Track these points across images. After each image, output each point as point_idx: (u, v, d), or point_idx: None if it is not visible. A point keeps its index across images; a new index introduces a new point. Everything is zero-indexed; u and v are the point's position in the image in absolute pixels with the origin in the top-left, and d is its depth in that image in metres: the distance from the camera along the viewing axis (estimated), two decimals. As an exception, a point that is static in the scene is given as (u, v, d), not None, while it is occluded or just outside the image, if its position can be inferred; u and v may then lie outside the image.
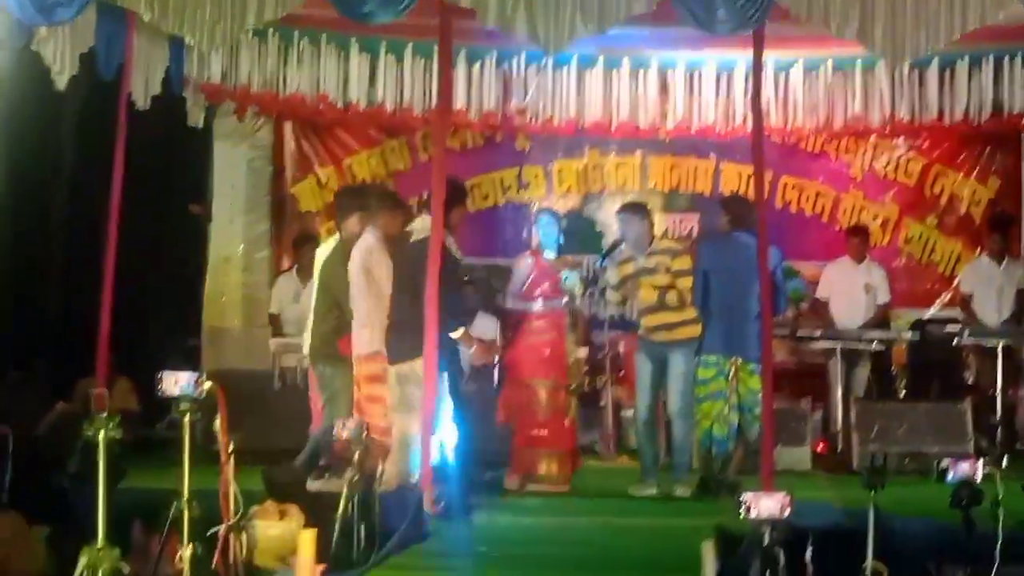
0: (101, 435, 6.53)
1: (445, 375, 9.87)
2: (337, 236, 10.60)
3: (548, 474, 11.04)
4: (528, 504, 10.39)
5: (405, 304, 9.83)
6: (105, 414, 6.53)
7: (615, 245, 11.27)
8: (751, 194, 11.93)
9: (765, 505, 6.95)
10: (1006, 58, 12.60)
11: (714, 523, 8.71)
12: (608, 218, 13.76)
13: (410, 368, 9.76)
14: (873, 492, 7.36)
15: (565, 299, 11.11)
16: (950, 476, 7.34)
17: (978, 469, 7.32)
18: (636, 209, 11.39)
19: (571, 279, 11.12)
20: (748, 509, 6.95)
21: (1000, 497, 7.43)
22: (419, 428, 9.57)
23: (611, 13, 9.57)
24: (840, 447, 12.43)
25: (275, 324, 13.37)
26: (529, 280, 11.07)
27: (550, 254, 11.15)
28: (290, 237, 14.19)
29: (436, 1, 9.77)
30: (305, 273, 13.13)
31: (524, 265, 11.21)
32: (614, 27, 9.74)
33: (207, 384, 7.32)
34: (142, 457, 9.76)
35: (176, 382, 7.30)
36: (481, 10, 9.62)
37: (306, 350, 10.64)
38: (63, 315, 12.80)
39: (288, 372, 12.91)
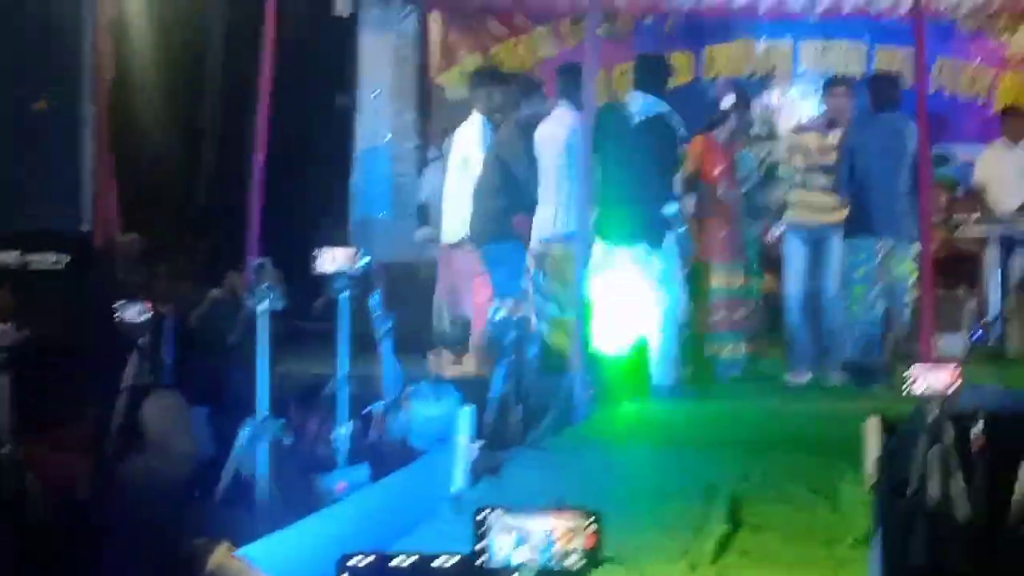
0: (264, 305, 6.53)
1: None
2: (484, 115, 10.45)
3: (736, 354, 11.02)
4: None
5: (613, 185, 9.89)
6: (267, 284, 6.52)
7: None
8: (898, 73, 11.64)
9: (934, 378, 6.81)
10: None
11: (870, 407, 8.64)
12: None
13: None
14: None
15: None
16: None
17: None
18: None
19: (748, 161, 11.02)
20: (915, 382, 6.82)
21: None
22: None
23: None
24: (996, 335, 12.19)
25: (424, 214, 13.35)
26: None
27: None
28: (438, 126, 14.12)
29: None
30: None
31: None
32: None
33: (364, 259, 7.32)
34: (293, 347, 9.82)
35: (333, 258, 7.31)
36: None
37: (455, 232, 10.48)
38: (216, 203, 12.89)
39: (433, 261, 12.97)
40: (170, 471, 7.23)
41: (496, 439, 7.97)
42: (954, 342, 11.55)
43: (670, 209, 9.99)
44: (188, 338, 9.14)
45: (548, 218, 10.06)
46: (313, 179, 13.64)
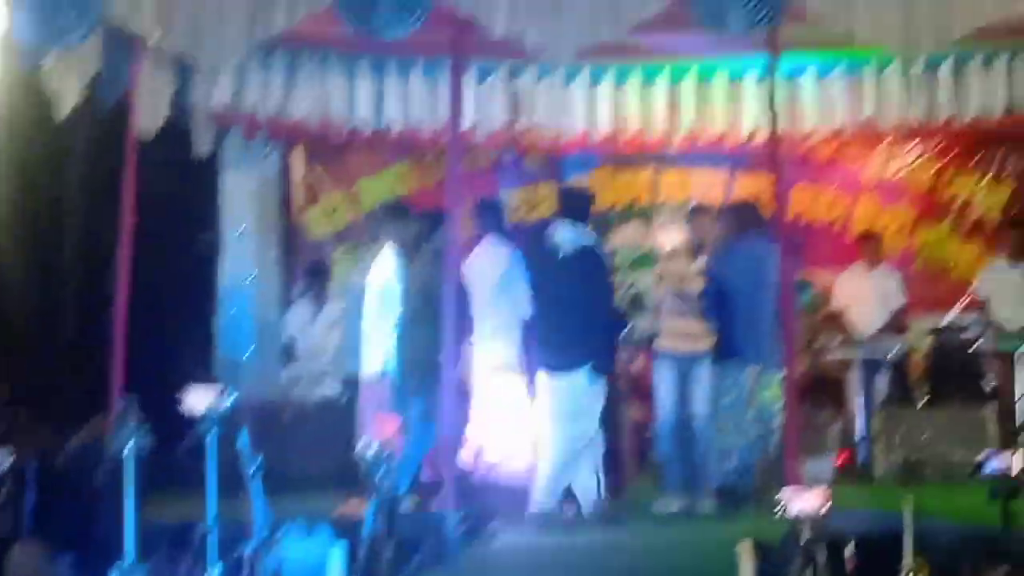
0: (129, 446, 6.43)
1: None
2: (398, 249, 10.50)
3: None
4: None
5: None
6: (132, 425, 6.43)
7: None
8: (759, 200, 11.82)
9: (803, 502, 6.87)
10: (1019, 57, 12.45)
11: (742, 533, 8.66)
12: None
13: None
14: (909, 488, 7.30)
15: None
16: (987, 468, 7.27)
17: (1015, 462, 7.25)
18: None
19: None
20: (786, 507, 6.87)
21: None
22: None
23: (624, 17, 9.55)
24: (861, 457, 12.32)
25: (288, 352, 13.28)
26: None
27: None
28: (302, 264, 14.10)
29: (446, 13, 9.70)
30: (319, 300, 13.10)
31: None
32: (625, 32, 9.69)
33: (230, 397, 7.26)
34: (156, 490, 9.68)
35: (200, 397, 7.23)
36: (487, 21, 9.60)
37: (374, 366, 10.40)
38: (79, 347, 12.68)
39: (301, 401, 12.90)
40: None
41: (367, 576, 7.89)
42: (821, 465, 11.63)
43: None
44: (51, 484, 8.94)
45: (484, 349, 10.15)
46: (177, 319, 13.47)
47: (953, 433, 11.73)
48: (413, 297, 10.28)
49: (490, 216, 10.80)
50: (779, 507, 6.88)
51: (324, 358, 12.84)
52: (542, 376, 10.09)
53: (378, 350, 10.42)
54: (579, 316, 9.99)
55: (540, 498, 10.03)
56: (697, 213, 11.43)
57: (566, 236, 10.08)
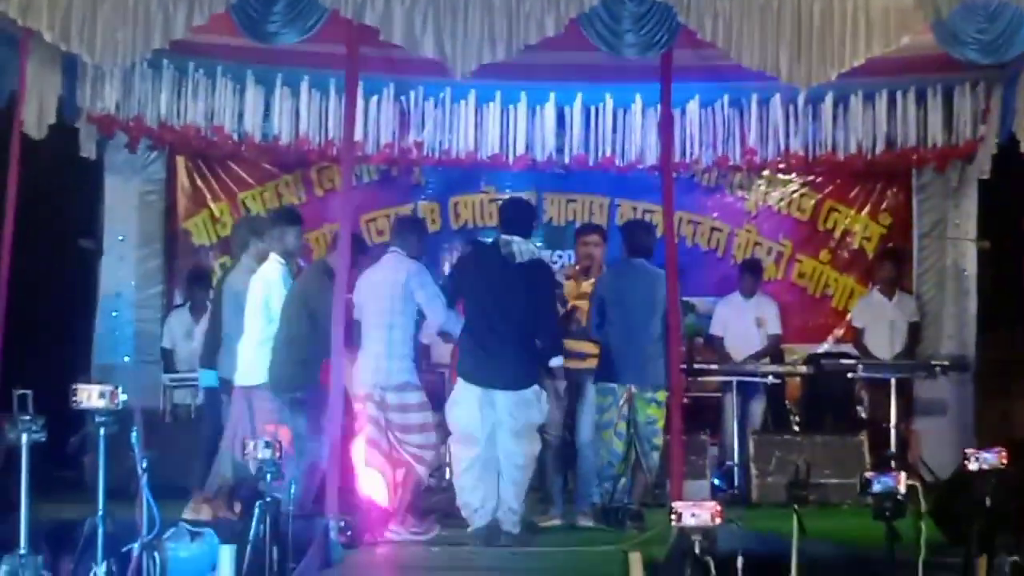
0: (24, 438, 6.37)
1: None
2: (279, 258, 10.41)
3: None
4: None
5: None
6: (28, 417, 6.38)
7: None
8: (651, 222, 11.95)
9: (696, 513, 6.95)
10: (899, 92, 12.76)
11: (622, 548, 8.77)
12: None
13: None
14: (796, 507, 7.42)
15: None
16: (874, 487, 7.39)
17: (901, 480, 7.39)
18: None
19: None
20: (679, 517, 6.95)
21: (924, 508, 7.53)
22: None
23: (520, 35, 9.68)
24: (737, 480, 12.47)
25: (167, 360, 13.18)
26: None
27: None
28: (183, 272, 14.01)
29: (342, 21, 9.73)
30: (199, 308, 13.01)
31: None
32: (521, 50, 9.78)
33: (123, 396, 7.21)
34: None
35: (92, 395, 7.18)
36: (387, 28, 9.66)
37: (252, 375, 10.33)
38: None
39: (180, 408, 12.82)
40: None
41: (253, 582, 7.88)
42: (697, 487, 11.76)
43: (556, 361, 10.14)
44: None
45: (374, 366, 10.08)
46: (56, 323, 13.36)
47: (828, 458, 11.90)
48: (297, 308, 10.21)
49: (401, 229, 10.74)
50: (672, 518, 6.96)
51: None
52: (480, 391, 9.85)
53: (256, 360, 10.28)
54: (529, 329, 9.96)
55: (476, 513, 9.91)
56: (586, 232, 11.51)
57: (519, 246, 10.01)
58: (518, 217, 10.35)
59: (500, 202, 13.23)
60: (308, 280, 10.47)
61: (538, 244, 12.58)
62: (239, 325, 10.42)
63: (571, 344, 10.74)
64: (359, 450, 10.04)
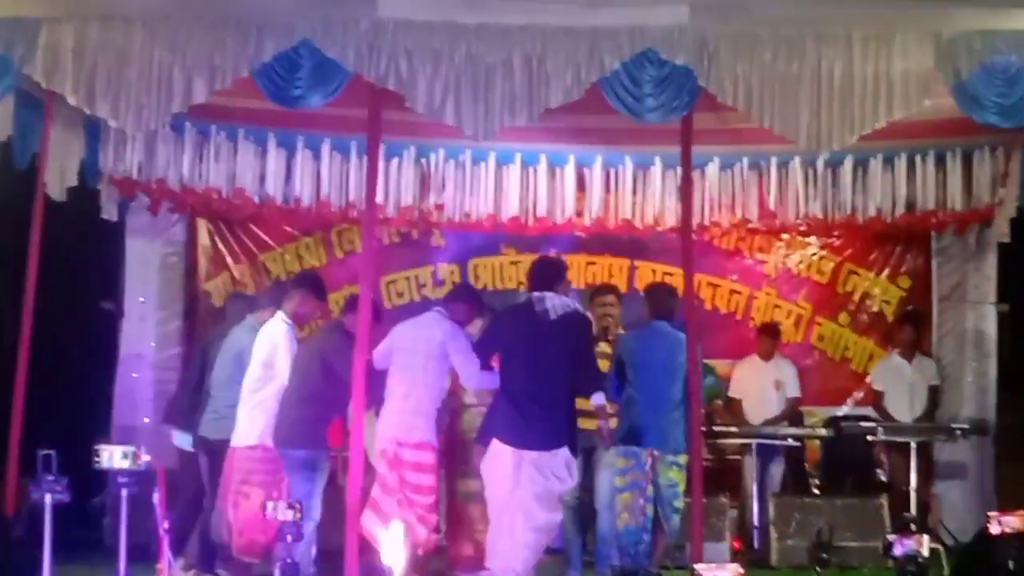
0: (48, 498, 6.39)
1: None
2: (285, 319, 10.43)
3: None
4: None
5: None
6: (52, 477, 6.40)
7: None
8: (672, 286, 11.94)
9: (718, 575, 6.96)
10: (918, 156, 12.79)
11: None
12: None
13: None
14: (817, 569, 7.40)
15: None
16: (896, 551, 7.39)
17: (924, 544, 7.39)
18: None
19: None
20: (698, 580, 6.96)
21: (946, 572, 7.52)
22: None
23: (540, 99, 9.74)
24: (757, 543, 12.44)
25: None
26: None
27: None
28: (203, 333, 14.02)
29: (364, 84, 9.81)
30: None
31: None
32: (542, 113, 9.84)
33: (145, 456, 7.24)
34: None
35: (115, 455, 7.21)
36: (410, 94, 9.74)
37: (251, 435, 10.24)
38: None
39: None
40: None
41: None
42: (717, 550, 11.72)
43: (598, 399, 10.09)
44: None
45: (397, 421, 10.13)
46: (76, 384, 13.39)
47: (848, 521, 11.87)
48: (314, 366, 10.22)
49: (464, 299, 10.79)
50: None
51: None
52: (512, 452, 9.79)
53: (253, 418, 10.26)
54: (566, 388, 9.93)
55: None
56: (601, 294, 11.50)
57: (552, 302, 10.02)
58: (548, 273, 10.38)
59: (520, 263, 13.30)
60: (326, 338, 10.52)
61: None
62: (229, 384, 10.44)
63: (584, 404, 10.74)
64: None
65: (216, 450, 10.34)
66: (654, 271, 14.18)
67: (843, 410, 14.08)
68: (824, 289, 14.55)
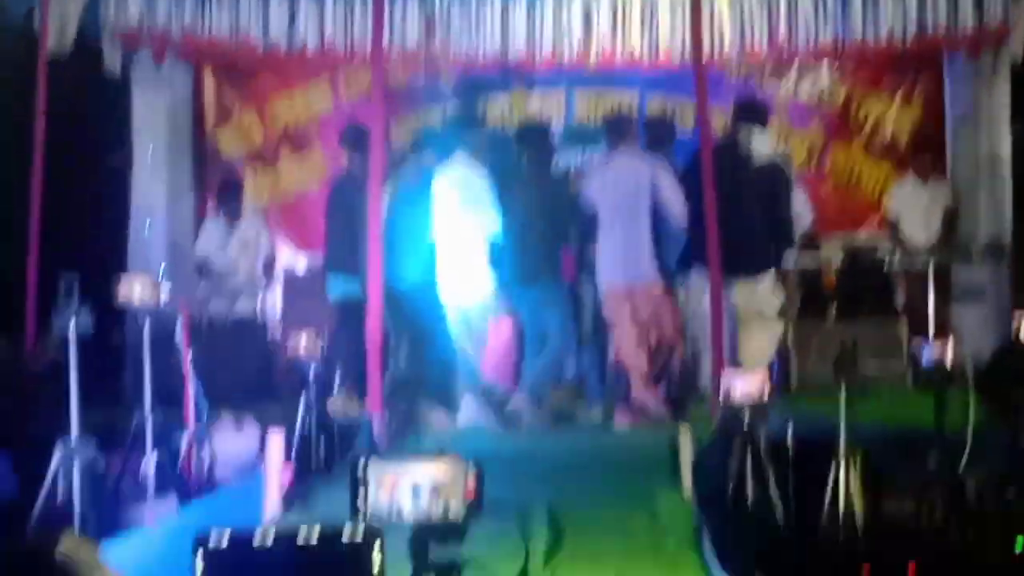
0: (72, 324, 6.37)
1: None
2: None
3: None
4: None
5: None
6: (75, 306, 6.38)
7: None
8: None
9: (745, 384, 6.93)
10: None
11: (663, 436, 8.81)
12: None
13: None
14: (843, 378, 7.37)
15: None
16: (924, 358, 7.37)
17: (948, 350, 7.36)
18: None
19: None
20: (728, 388, 6.94)
21: (972, 382, 7.50)
22: None
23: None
24: (776, 369, 12.42)
25: (202, 270, 13.15)
26: None
27: None
28: (214, 183, 13.98)
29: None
30: (230, 218, 13.02)
31: None
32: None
33: (166, 288, 7.21)
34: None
35: (137, 286, 7.18)
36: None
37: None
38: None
39: (216, 319, 12.79)
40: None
41: (302, 467, 7.90)
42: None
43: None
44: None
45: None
46: (89, 238, 13.32)
47: (868, 345, 11.83)
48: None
49: (620, 129, 10.69)
50: (721, 392, 6.95)
51: (238, 275, 12.82)
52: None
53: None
54: (766, 220, 10.02)
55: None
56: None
57: (760, 145, 9.97)
58: (749, 114, 10.35)
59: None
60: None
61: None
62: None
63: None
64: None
65: None
66: (664, 105, 14.01)
67: (859, 237, 13.99)
68: (836, 116, 14.40)
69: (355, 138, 11.13)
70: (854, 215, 14.21)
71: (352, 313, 10.44)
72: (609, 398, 10.81)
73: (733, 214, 9.86)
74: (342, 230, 10.93)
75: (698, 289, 10.07)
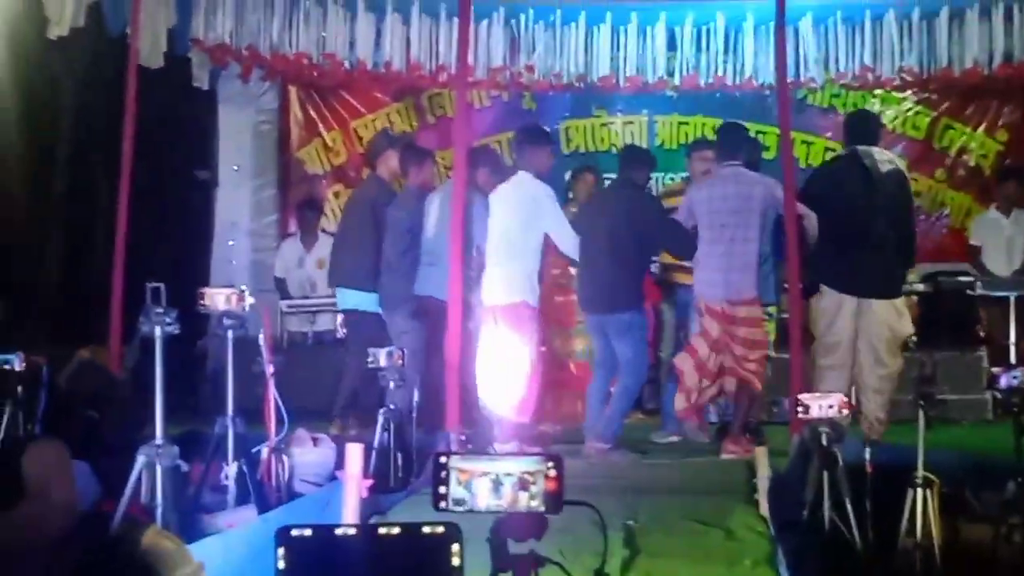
0: (158, 331, 6.45)
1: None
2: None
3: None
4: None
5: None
6: (162, 309, 6.46)
7: None
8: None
9: (823, 404, 6.92)
10: (1015, 5, 12.51)
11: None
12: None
13: None
14: (922, 404, 7.32)
15: None
16: (1002, 382, 7.31)
17: (1027, 377, 7.30)
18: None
19: None
20: (806, 409, 6.93)
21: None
22: None
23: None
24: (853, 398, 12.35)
25: (280, 289, 13.26)
26: None
27: None
28: (296, 201, 14.10)
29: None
30: (310, 237, 13.13)
31: None
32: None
33: (249, 298, 7.28)
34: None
35: (220, 297, 7.26)
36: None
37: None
38: (62, 282, 12.65)
39: (296, 335, 12.89)
40: (52, 521, 7.03)
41: (380, 484, 7.95)
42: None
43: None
44: (58, 394, 8.94)
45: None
46: (173, 253, 13.48)
47: (947, 375, 11.75)
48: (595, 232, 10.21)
49: (733, 140, 10.67)
50: (799, 410, 6.94)
51: (316, 293, 12.91)
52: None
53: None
54: (896, 237, 9.84)
55: None
56: (698, 149, 11.38)
57: (878, 157, 9.94)
58: (861, 129, 10.27)
59: (611, 125, 13.23)
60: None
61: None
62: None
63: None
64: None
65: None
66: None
67: (941, 267, 13.91)
68: (920, 145, 14.35)
69: (405, 148, 11.23)
70: (936, 243, 14.15)
71: (359, 327, 10.62)
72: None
73: (865, 229, 9.74)
74: (360, 243, 10.98)
75: (826, 310, 9.90)
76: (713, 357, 9.91)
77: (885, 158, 9.89)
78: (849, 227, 9.72)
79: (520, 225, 9.96)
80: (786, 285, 10.00)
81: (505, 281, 9.95)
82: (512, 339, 9.78)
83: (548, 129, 11.60)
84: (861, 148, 9.88)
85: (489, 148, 11.96)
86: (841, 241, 9.76)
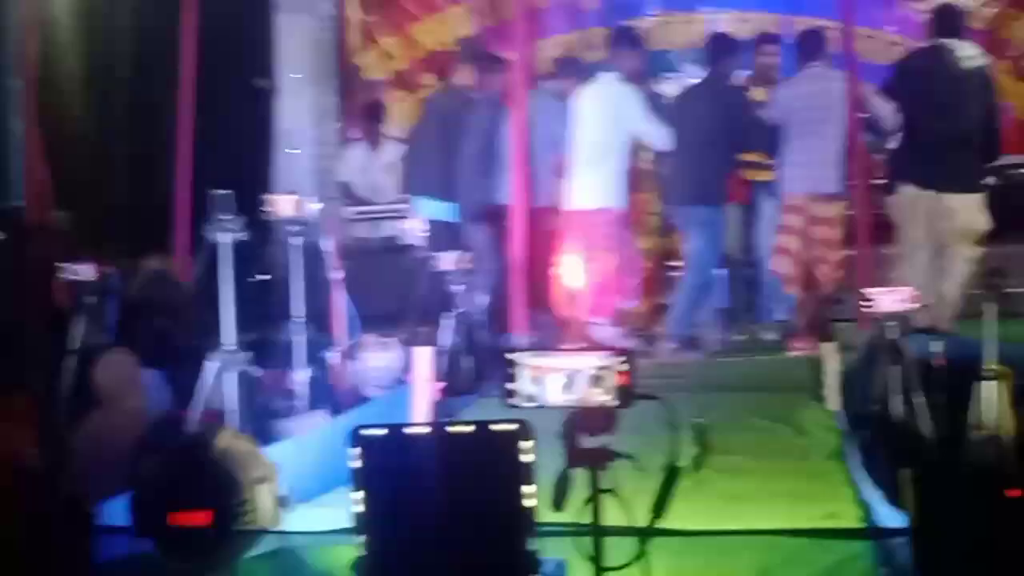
0: (226, 236, 6.48)
1: None
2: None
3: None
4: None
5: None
6: (228, 216, 6.49)
7: None
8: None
9: (891, 299, 6.90)
10: None
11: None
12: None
13: None
14: (992, 296, 7.27)
15: None
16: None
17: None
18: None
19: None
20: (875, 304, 6.90)
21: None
22: None
23: None
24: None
25: (345, 193, 13.27)
26: None
27: None
28: (357, 107, 14.07)
29: None
30: (374, 143, 13.11)
31: None
32: None
33: (315, 204, 7.31)
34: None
35: (285, 204, 7.29)
36: None
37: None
38: (129, 193, 12.66)
39: (361, 242, 12.91)
40: (125, 428, 7.12)
41: (451, 387, 7.96)
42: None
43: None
44: (128, 304, 9.02)
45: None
46: (236, 161, 13.48)
47: (1016, 269, 11.65)
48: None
49: (813, 43, 10.62)
50: (867, 304, 6.91)
51: (382, 198, 12.90)
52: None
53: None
54: (979, 131, 9.82)
55: None
56: (765, 43, 11.30)
57: (963, 52, 9.88)
58: (949, 21, 10.18)
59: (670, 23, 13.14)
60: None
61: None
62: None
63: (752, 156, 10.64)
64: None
65: None
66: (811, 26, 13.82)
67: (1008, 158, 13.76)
68: (984, 36, 14.10)
69: (478, 56, 11.16)
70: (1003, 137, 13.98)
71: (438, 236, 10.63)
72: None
73: (947, 124, 9.68)
74: (435, 151, 10.94)
75: (904, 204, 9.84)
76: (804, 249, 9.97)
77: (970, 52, 9.78)
78: (931, 121, 9.64)
79: (607, 126, 9.97)
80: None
81: (593, 184, 9.97)
82: (602, 242, 9.83)
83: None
84: (946, 41, 9.79)
85: (577, 59, 11.79)
86: (923, 135, 9.69)
